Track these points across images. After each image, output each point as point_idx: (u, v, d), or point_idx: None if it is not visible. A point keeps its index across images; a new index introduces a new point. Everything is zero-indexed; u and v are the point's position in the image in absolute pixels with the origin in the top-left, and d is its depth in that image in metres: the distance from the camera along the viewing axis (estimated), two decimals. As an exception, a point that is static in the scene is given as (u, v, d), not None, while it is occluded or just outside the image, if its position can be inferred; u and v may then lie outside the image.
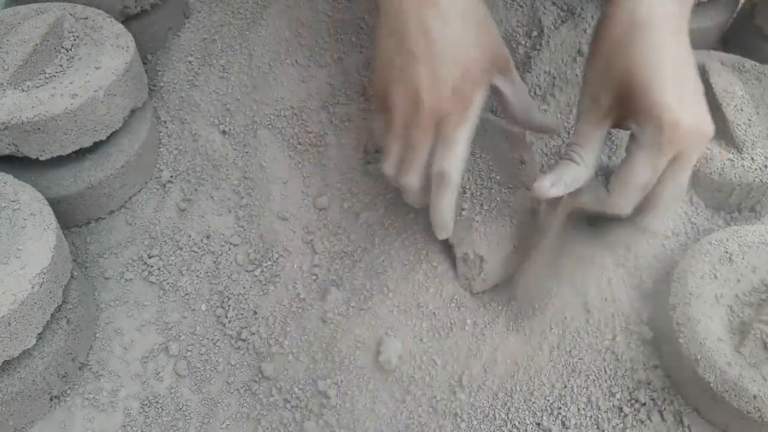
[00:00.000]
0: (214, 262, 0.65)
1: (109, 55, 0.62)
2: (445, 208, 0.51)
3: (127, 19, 0.72)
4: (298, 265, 0.64)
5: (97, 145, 0.62)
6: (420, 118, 0.48)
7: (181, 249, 0.65)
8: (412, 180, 0.51)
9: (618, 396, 0.57)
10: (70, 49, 0.63)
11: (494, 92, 0.52)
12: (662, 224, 0.49)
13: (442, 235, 0.54)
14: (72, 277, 0.57)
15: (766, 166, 0.64)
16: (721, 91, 0.68)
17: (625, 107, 0.46)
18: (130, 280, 0.63)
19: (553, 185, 0.48)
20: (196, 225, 0.66)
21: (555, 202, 0.53)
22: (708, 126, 0.46)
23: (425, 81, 0.47)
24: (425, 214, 0.63)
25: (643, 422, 0.56)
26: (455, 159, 0.49)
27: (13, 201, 0.54)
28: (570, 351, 0.58)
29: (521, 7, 0.75)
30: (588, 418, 0.56)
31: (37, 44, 0.60)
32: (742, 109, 0.67)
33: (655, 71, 0.45)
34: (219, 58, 0.74)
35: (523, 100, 0.53)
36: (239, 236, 0.66)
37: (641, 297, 0.61)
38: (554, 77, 0.71)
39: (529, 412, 0.56)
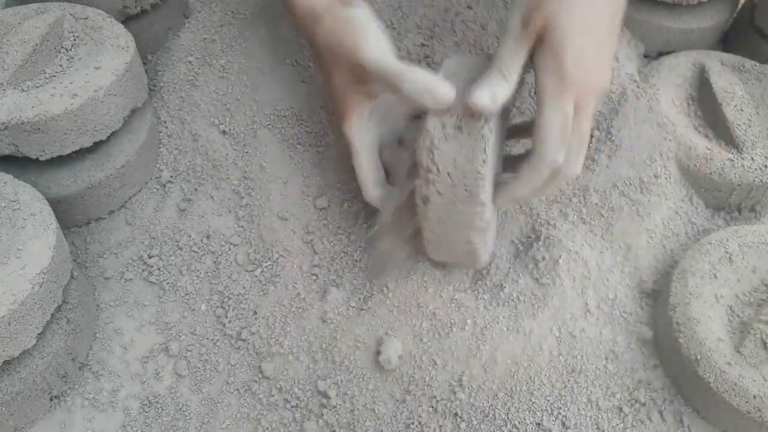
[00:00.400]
0: (214, 262, 0.65)
1: (109, 55, 0.62)
2: (360, 175, 0.57)
3: (127, 19, 0.72)
4: (298, 265, 0.64)
5: (97, 145, 0.62)
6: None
7: (181, 249, 0.65)
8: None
9: (618, 396, 0.57)
10: (70, 49, 0.63)
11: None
12: (577, 168, 0.51)
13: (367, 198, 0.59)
14: (72, 277, 0.57)
15: (766, 166, 0.64)
16: (721, 91, 0.68)
17: (542, 41, 0.49)
18: (130, 280, 0.63)
19: (491, 99, 0.48)
20: (196, 225, 0.66)
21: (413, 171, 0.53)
22: (605, 80, 0.52)
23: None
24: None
25: (643, 422, 0.56)
26: (352, 136, 0.55)
27: (13, 201, 0.54)
28: (570, 351, 0.58)
29: (521, 7, 0.75)
30: (588, 418, 0.56)
31: (37, 44, 0.60)
32: (742, 109, 0.67)
33: (574, 16, 0.49)
34: (219, 58, 0.74)
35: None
36: (239, 236, 0.66)
37: (641, 297, 0.61)
38: (554, 77, 0.71)
39: (529, 412, 0.56)
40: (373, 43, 0.52)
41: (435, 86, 0.48)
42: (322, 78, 0.58)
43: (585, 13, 0.50)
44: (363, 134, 0.56)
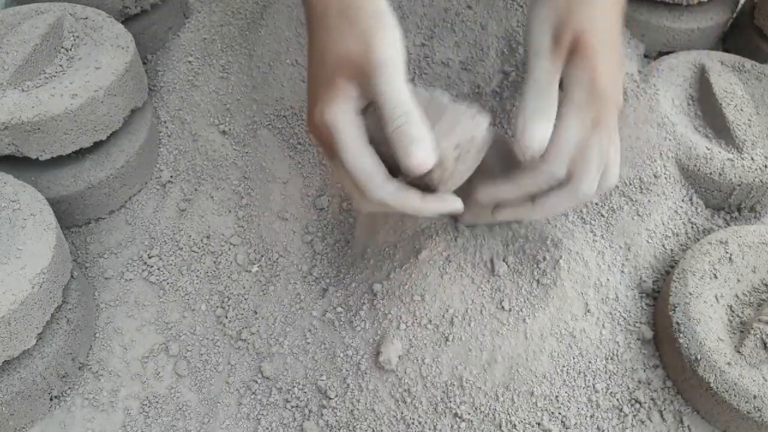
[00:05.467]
0: (214, 262, 0.65)
1: (109, 55, 0.62)
2: (359, 173, 0.47)
3: (127, 19, 0.72)
4: (298, 265, 0.64)
5: (97, 145, 0.62)
6: None
7: (181, 249, 0.65)
8: None
9: (618, 396, 0.57)
10: (70, 49, 0.63)
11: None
12: (593, 189, 0.50)
13: None
14: (72, 277, 0.57)
15: (766, 166, 0.64)
16: (721, 91, 0.68)
17: (575, 53, 0.49)
18: (130, 280, 0.63)
19: (539, 143, 0.47)
20: (196, 225, 0.66)
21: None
22: (620, 97, 0.51)
23: None
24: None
25: (643, 422, 0.56)
26: (335, 126, 0.46)
27: (13, 201, 0.54)
28: (570, 351, 0.58)
29: (521, 7, 0.75)
30: (588, 418, 0.56)
31: (37, 44, 0.60)
32: (742, 109, 0.67)
33: (599, 33, 0.49)
34: (219, 58, 0.74)
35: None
36: (239, 236, 0.66)
37: (641, 297, 0.61)
38: (554, 77, 0.71)
39: (529, 412, 0.56)
40: (388, 42, 0.45)
41: (416, 150, 0.43)
42: (310, 46, 0.49)
43: (607, 26, 0.50)
44: (349, 123, 0.46)
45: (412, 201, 0.47)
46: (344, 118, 0.46)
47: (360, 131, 0.46)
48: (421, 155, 0.43)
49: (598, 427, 0.55)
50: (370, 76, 0.44)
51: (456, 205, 0.49)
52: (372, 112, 0.47)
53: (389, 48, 0.45)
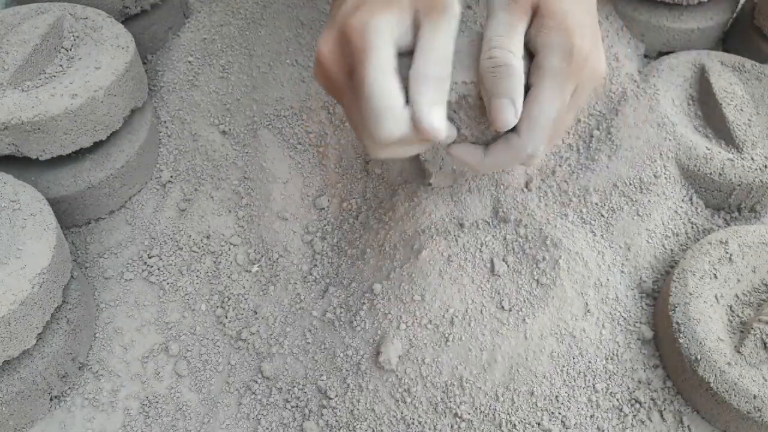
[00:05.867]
0: (214, 262, 0.65)
1: (109, 55, 0.62)
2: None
3: (127, 19, 0.72)
4: (298, 265, 0.64)
5: (97, 145, 0.62)
6: None
7: (181, 249, 0.65)
8: None
9: (618, 396, 0.57)
10: (70, 49, 0.63)
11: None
12: (542, 156, 0.46)
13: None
14: (72, 277, 0.57)
15: (766, 166, 0.64)
16: (721, 91, 0.68)
17: (541, 16, 0.44)
18: (130, 280, 0.63)
19: (515, 115, 0.43)
20: (196, 225, 0.66)
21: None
22: (603, 65, 0.45)
23: None
24: (425, 213, 0.63)
25: (643, 422, 0.56)
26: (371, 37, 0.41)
27: (13, 201, 0.54)
28: (570, 351, 0.58)
29: (521, 7, 0.75)
30: (588, 418, 0.56)
31: (37, 44, 0.60)
32: (742, 109, 0.67)
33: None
34: (219, 58, 0.74)
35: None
36: (239, 236, 0.66)
37: (641, 297, 0.61)
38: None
39: (529, 412, 0.56)
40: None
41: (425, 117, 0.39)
42: None
43: None
44: (388, 42, 0.41)
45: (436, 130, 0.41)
46: (387, 36, 0.41)
47: (392, 58, 0.41)
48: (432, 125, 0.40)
49: (598, 427, 0.55)
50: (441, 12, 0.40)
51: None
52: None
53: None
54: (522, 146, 0.45)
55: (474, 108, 0.46)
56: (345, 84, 0.43)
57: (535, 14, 0.43)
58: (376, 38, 0.40)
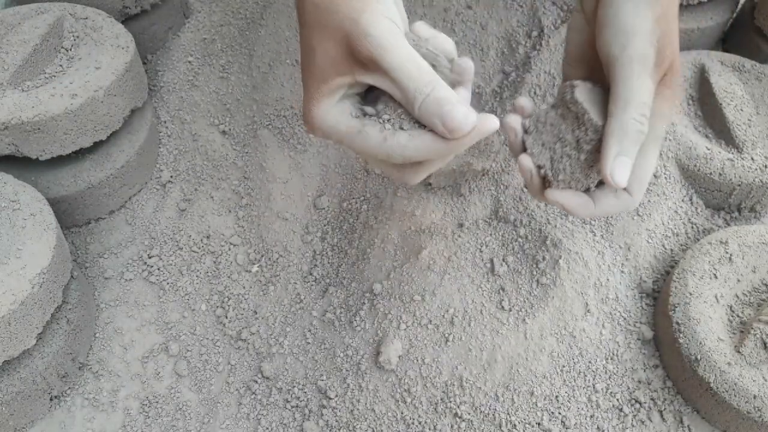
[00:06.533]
0: (214, 262, 0.65)
1: (109, 55, 0.62)
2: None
3: (127, 19, 0.72)
4: (298, 265, 0.64)
5: (97, 145, 0.62)
6: None
7: (181, 249, 0.65)
8: None
9: (618, 396, 0.57)
10: (70, 49, 0.63)
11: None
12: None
13: None
14: (72, 277, 0.57)
15: (766, 166, 0.64)
16: (721, 91, 0.68)
17: (664, 86, 0.45)
18: (130, 280, 0.63)
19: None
20: (196, 225, 0.66)
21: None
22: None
23: None
24: (425, 213, 0.63)
25: (643, 422, 0.56)
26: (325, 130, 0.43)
27: (13, 201, 0.54)
28: (570, 351, 0.58)
29: (521, 7, 0.75)
30: (588, 418, 0.56)
31: (37, 44, 0.60)
32: (742, 109, 0.67)
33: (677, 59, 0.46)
34: (219, 58, 0.74)
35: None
36: (239, 236, 0.66)
37: (641, 297, 0.61)
38: (554, 77, 0.71)
39: (530, 412, 0.56)
40: (380, 14, 0.39)
41: (452, 110, 0.38)
42: (301, 52, 0.43)
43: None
44: (339, 116, 0.41)
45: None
46: (338, 115, 0.41)
47: (348, 121, 0.42)
48: (461, 111, 0.39)
49: (598, 427, 0.55)
50: (371, 56, 0.39)
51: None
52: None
53: (383, 20, 0.39)
54: (633, 204, 0.47)
55: (590, 155, 0.47)
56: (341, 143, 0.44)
57: (663, 77, 0.45)
58: (334, 126, 0.41)
